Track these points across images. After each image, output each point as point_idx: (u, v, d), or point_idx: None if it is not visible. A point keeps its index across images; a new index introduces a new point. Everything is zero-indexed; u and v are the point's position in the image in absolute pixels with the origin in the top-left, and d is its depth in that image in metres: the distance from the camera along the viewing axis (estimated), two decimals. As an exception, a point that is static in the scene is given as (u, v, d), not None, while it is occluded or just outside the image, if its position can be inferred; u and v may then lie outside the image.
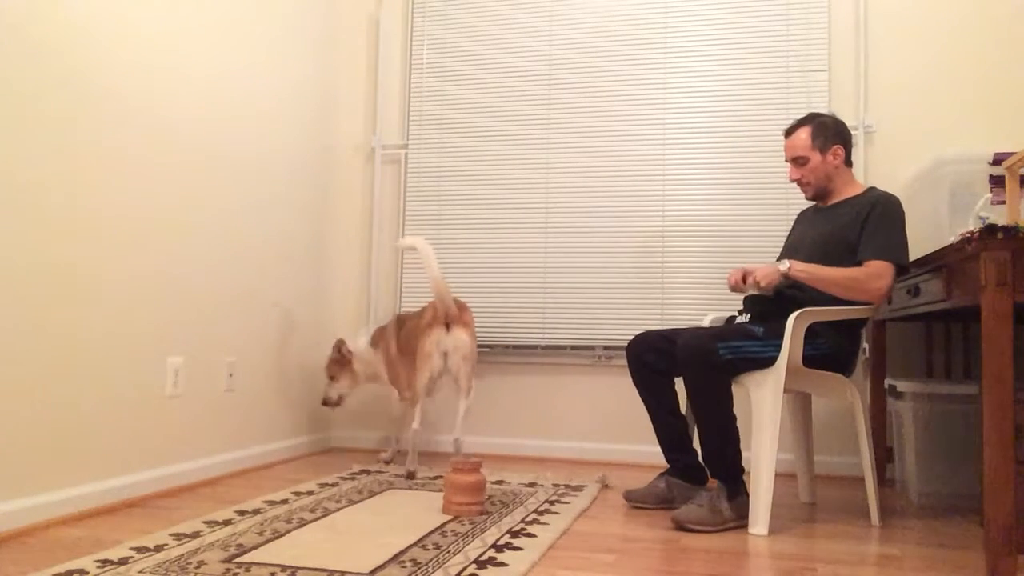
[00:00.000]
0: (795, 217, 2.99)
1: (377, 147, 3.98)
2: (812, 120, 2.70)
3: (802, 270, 2.50)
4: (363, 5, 4.08)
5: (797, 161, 2.70)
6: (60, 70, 2.33)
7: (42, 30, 2.27)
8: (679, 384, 2.62)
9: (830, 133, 2.67)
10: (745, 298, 2.66)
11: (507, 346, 3.75)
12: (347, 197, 4.02)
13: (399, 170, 3.96)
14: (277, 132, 3.48)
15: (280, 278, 3.50)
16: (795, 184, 2.76)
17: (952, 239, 2.17)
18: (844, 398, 2.56)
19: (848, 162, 2.72)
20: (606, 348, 3.63)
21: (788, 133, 2.74)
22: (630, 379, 2.77)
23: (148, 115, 2.69)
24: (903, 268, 2.54)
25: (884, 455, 3.19)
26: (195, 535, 2.14)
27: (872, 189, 2.67)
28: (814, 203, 2.85)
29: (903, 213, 2.56)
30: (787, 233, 3.01)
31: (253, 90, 3.29)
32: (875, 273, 2.49)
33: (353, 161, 4.03)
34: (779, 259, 2.90)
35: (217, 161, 3.06)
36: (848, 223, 2.59)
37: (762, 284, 2.51)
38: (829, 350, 2.53)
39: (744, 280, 2.55)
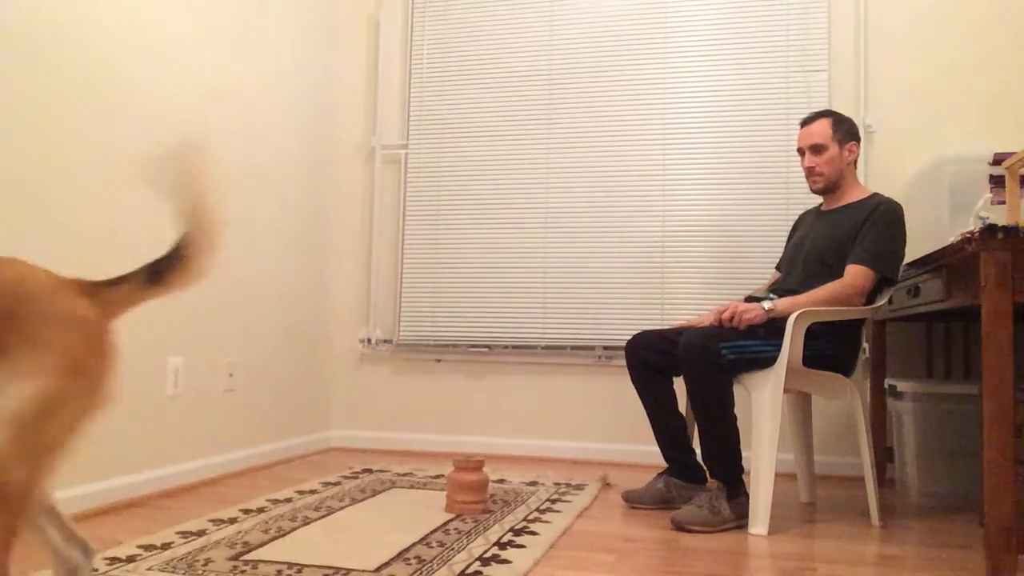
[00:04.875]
0: (795, 219, 2.99)
1: (377, 147, 3.99)
2: (831, 114, 2.72)
3: (786, 308, 2.49)
4: (363, 5, 4.08)
5: (815, 149, 2.69)
6: (60, 73, 2.33)
7: (41, 30, 2.27)
8: (678, 384, 2.63)
9: (848, 128, 2.69)
10: (746, 298, 2.67)
11: (507, 346, 3.76)
12: (347, 197, 4.02)
13: (399, 170, 3.96)
14: (277, 132, 3.48)
15: (280, 278, 3.50)
16: (805, 175, 2.73)
17: (952, 239, 2.18)
18: (844, 398, 2.57)
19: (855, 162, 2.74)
20: (606, 348, 3.64)
21: (806, 122, 2.73)
22: (629, 379, 2.78)
23: (147, 115, 2.69)
24: (889, 279, 2.55)
25: (884, 455, 3.20)
26: (201, 533, 2.14)
27: (876, 195, 2.67)
28: (815, 207, 2.85)
29: (901, 220, 2.57)
30: (787, 234, 3.01)
31: (253, 90, 3.29)
32: (850, 281, 2.52)
33: (353, 161, 4.04)
34: (778, 265, 2.93)
35: (217, 161, 3.06)
36: (848, 232, 2.59)
37: (743, 326, 2.48)
38: (829, 350, 2.54)
39: (732, 320, 2.51)
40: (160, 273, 1.37)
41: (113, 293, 1.33)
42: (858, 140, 2.72)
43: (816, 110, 2.78)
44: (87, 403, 1.23)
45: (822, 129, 2.68)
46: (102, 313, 1.29)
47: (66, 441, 1.20)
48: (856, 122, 2.73)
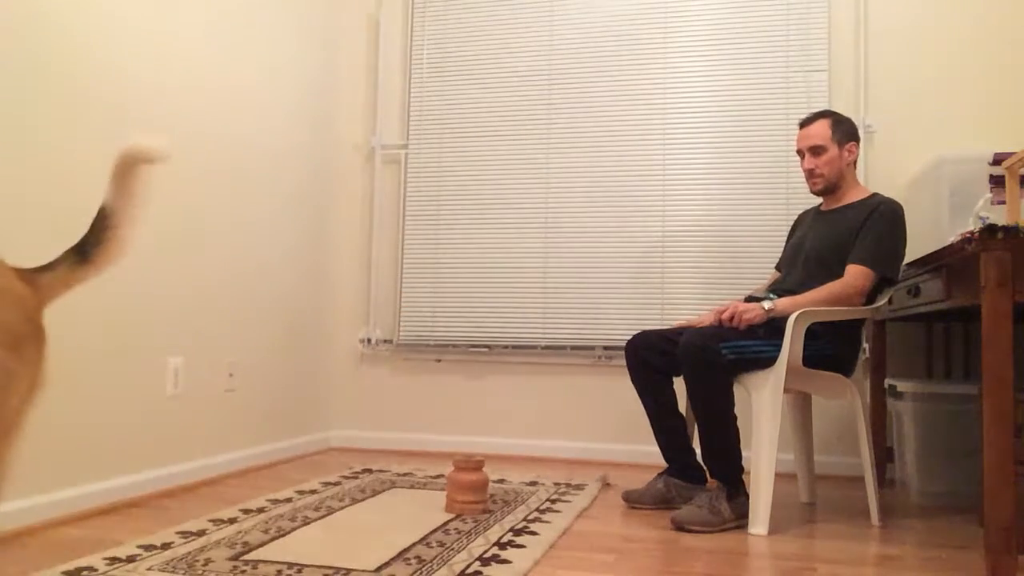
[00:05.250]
0: (794, 219, 2.99)
1: (377, 147, 3.99)
2: (830, 114, 2.71)
3: (786, 307, 2.49)
4: (363, 5, 4.08)
5: (814, 150, 2.68)
6: (60, 73, 2.33)
7: (40, 34, 2.27)
8: (678, 384, 2.63)
9: (847, 129, 2.69)
10: (746, 298, 2.67)
11: (507, 346, 3.76)
12: (347, 197, 4.02)
13: (399, 170, 3.96)
14: (277, 132, 3.48)
15: (280, 278, 3.50)
16: (805, 177, 2.73)
17: (952, 239, 2.18)
18: (844, 398, 2.57)
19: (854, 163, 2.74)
20: (606, 348, 3.64)
21: (805, 123, 2.73)
22: (629, 379, 2.77)
23: (146, 116, 2.69)
24: (889, 279, 2.55)
25: (884, 455, 3.20)
26: (201, 533, 2.14)
27: (876, 195, 2.67)
28: (815, 206, 2.85)
29: (902, 221, 2.57)
30: (786, 234, 3.01)
31: (253, 90, 3.29)
32: (850, 281, 2.52)
33: (353, 161, 4.04)
34: (778, 265, 2.93)
35: (216, 161, 3.06)
36: (848, 232, 2.59)
37: (743, 326, 2.48)
38: (829, 350, 2.54)
39: (732, 320, 2.50)
40: (87, 252, 1.36)
41: (46, 278, 1.31)
42: (857, 140, 2.72)
43: (815, 111, 2.78)
44: (30, 383, 1.20)
45: (821, 130, 2.68)
46: (38, 298, 1.28)
47: (20, 422, 1.19)
48: (856, 122, 2.74)
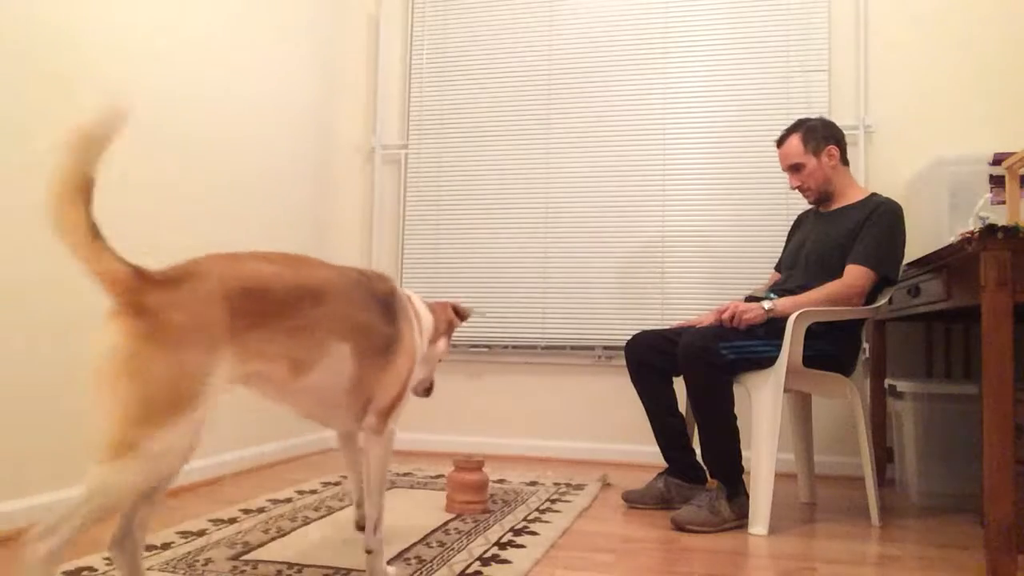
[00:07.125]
0: (794, 219, 2.99)
1: (377, 147, 3.99)
2: (800, 126, 2.70)
3: (786, 307, 2.49)
4: (363, 5, 4.08)
5: (793, 168, 2.70)
6: (59, 75, 2.33)
7: (40, 38, 2.27)
8: (678, 383, 2.63)
9: (820, 135, 2.67)
10: (746, 298, 2.67)
11: (507, 346, 3.76)
12: (347, 197, 4.02)
13: (399, 170, 3.96)
14: (277, 132, 3.48)
15: (281, 278, 3.49)
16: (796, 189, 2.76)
17: (952, 239, 2.18)
18: (844, 398, 2.57)
19: (844, 161, 2.72)
20: (606, 348, 3.64)
21: (779, 143, 2.74)
22: (629, 379, 2.77)
23: (147, 116, 2.69)
24: (889, 279, 2.55)
25: (884, 455, 3.20)
26: (201, 533, 2.14)
27: (874, 195, 2.67)
28: (814, 207, 2.85)
29: (901, 221, 2.57)
30: (786, 234, 3.01)
31: (253, 90, 3.29)
32: (849, 281, 2.52)
33: (353, 161, 4.04)
34: (777, 266, 2.93)
35: (217, 161, 3.06)
36: (847, 232, 2.59)
37: (743, 326, 2.48)
38: (829, 350, 2.54)
39: (732, 320, 2.50)
40: None
41: None
42: (837, 140, 2.69)
43: (786, 127, 2.75)
44: None
45: (793, 148, 2.68)
46: None
47: None
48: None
